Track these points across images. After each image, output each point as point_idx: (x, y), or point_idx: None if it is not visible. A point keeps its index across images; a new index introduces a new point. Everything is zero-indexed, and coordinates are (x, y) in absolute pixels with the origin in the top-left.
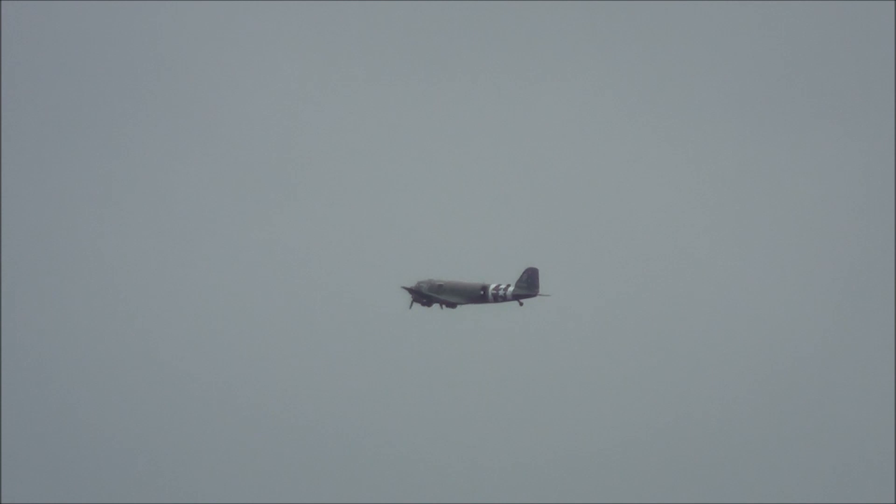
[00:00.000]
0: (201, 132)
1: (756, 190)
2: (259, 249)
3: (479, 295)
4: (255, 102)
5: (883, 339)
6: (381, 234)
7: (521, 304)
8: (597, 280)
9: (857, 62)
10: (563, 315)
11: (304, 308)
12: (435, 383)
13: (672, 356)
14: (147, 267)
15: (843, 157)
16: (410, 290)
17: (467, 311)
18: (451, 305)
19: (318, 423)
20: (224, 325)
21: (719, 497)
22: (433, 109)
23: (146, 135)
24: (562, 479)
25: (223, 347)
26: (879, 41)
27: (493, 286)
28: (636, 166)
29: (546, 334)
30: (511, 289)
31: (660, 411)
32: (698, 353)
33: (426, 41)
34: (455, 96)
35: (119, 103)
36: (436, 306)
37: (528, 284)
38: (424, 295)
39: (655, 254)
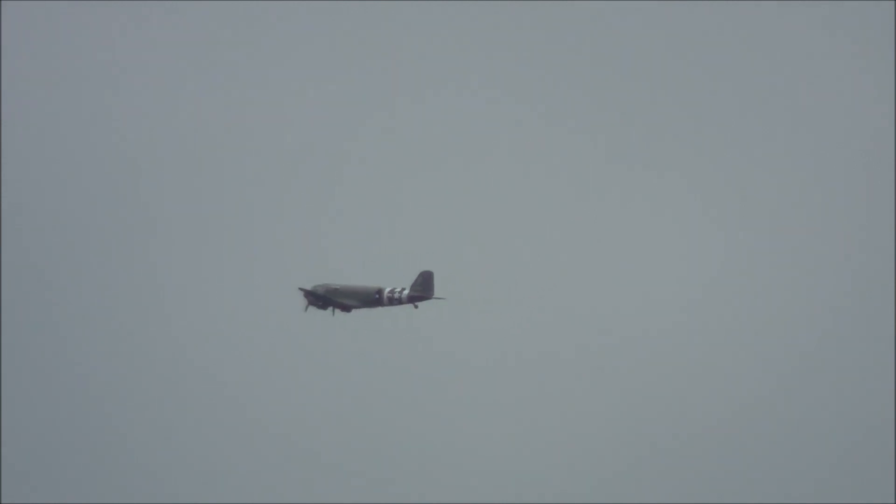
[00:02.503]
0: (197, 128)
1: (752, 190)
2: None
3: (374, 298)
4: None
5: (883, 338)
6: (280, 237)
7: (416, 307)
8: (494, 282)
9: (857, 62)
10: (457, 317)
11: (197, 313)
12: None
13: (646, 362)
14: (136, 265)
15: (843, 158)
16: (306, 293)
17: (362, 314)
18: (346, 309)
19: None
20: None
21: (719, 497)
22: (328, 105)
23: (144, 134)
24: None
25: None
26: (879, 41)
27: (388, 289)
28: (542, 168)
29: (441, 337)
30: (406, 292)
31: (642, 413)
32: (681, 356)
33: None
34: (356, 93)
35: (119, 102)
36: (331, 310)
37: (423, 287)
38: (320, 297)
39: (568, 253)
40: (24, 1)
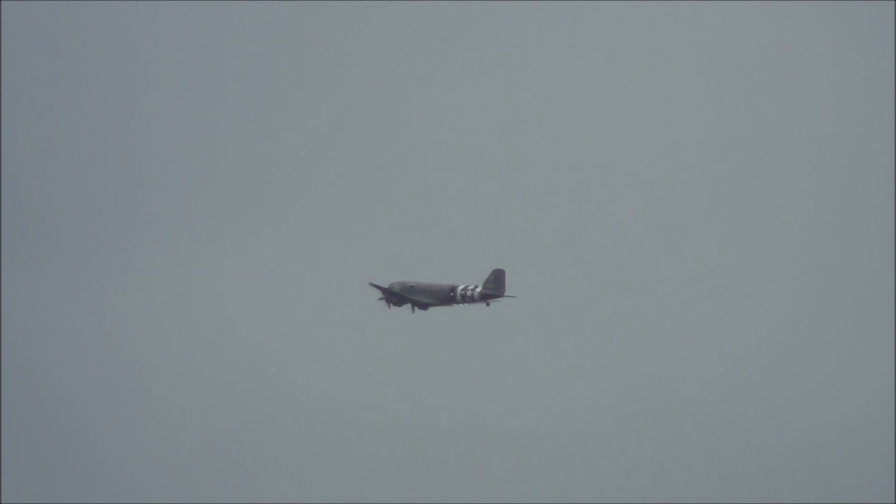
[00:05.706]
0: (196, 126)
1: (754, 189)
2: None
3: (448, 296)
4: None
5: (883, 339)
6: (358, 236)
7: (489, 304)
8: (565, 281)
9: (857, 62)
10: (529, 315)
11: (278, 311)
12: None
13: (652, 357)
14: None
15: (842, 158)
16: (382, 289)
17: (438, 311)
18: (423, 307)
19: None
20: (208, 330)
21: (719, 497)
22: (402, 104)
23: (143, 133)
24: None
25: (212, 349)
26: (879, 41)
27: (461, 287)
28: (611, 170)
29: (513, 335)
30: (478, 289)
31: (645, 415)
32: (682, 356)
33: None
34: (427, 93)
35: (119, 102)
36: (411, 307)
37: (495, 285)
38: (395, 295)
39: (634, 255)
40: (24, 1)
